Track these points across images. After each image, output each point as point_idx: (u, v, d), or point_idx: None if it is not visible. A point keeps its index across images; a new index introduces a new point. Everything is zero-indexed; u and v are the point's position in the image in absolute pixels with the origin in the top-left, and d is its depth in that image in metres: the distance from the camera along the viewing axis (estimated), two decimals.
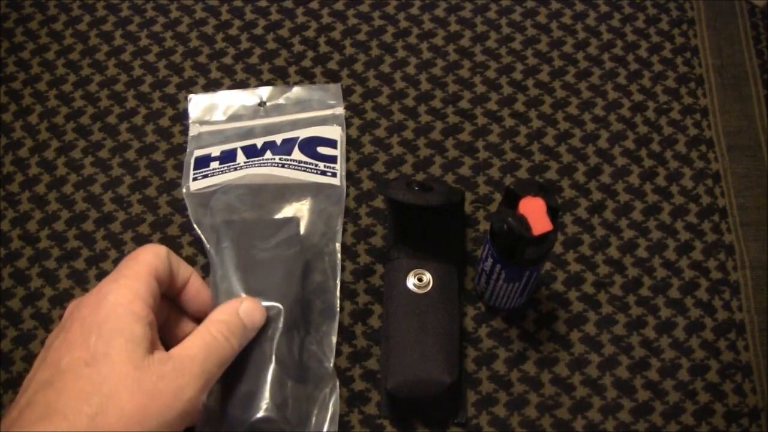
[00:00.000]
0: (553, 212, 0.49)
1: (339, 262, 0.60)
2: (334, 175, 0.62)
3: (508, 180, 0.64)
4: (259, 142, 0.63)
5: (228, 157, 0.62)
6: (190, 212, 0.61)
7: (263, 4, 0.72)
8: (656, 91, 0.68)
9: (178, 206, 0.63)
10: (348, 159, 0.65)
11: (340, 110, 0.66)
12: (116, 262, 0.61)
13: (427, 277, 0.57)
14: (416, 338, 0.54)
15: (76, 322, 0.46)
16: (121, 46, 0.70)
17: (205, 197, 0.61)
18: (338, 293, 0.59)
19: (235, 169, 0.61)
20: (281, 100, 0.66)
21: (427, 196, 0.55)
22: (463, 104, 0.67)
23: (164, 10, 0.72)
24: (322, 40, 0.71)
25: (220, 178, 0.61)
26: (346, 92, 0.68)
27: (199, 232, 0.60)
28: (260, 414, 0.49)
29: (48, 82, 0.69)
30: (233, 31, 0.71)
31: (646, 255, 0.61)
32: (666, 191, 0.64)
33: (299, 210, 0.61)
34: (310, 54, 0.70)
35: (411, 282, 0.56)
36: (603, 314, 0.59)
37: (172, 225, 0.63)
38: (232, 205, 0.60)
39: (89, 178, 0.65)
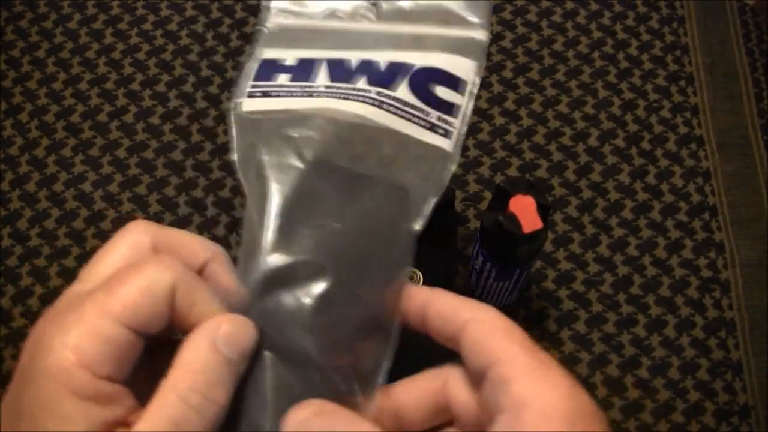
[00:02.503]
0: (544, 210, 0.49)
1: (411, 259, 0.38)
2: (446, 134, 0.41)
3: (499, 178, 0.64)
4: (354, 58, 0.42)
5: (305, 71, 0.42)
6: (235, 144, 0.39)
7: (253, 2, 0.72)
8: (646, 89, 0.68)
9: (169, 204, 0.63)
10: None
11: (482, 35, 0.43)
12: None
13: (418, 275, 0.56)
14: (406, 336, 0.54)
15: (16, 374, 0.32)
16: (111, 44, 0.70)
17: (258, 127, 0.40)
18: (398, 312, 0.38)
19: (310, 94, 0.41)
20: (403, 2, 0.44)
21: None
22: None
23: (154, 9, 0.72)
24: None
25: (286, 101, 0.41)
26: None
27: (244, 181, 0.39)
28: None
29: (38, 81, 0.69)
30: (223, 29, 0.71)
31: (636, 253, 0.62)
32: (656, 189, 0.64)
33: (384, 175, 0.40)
34: None
35: None
36: (593, 312, 0.59)
37: (162, 223, 0.62)
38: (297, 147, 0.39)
39: (79, 176, 0.64)
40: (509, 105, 0.67)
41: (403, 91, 0.41)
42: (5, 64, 0.69)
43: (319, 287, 0.36)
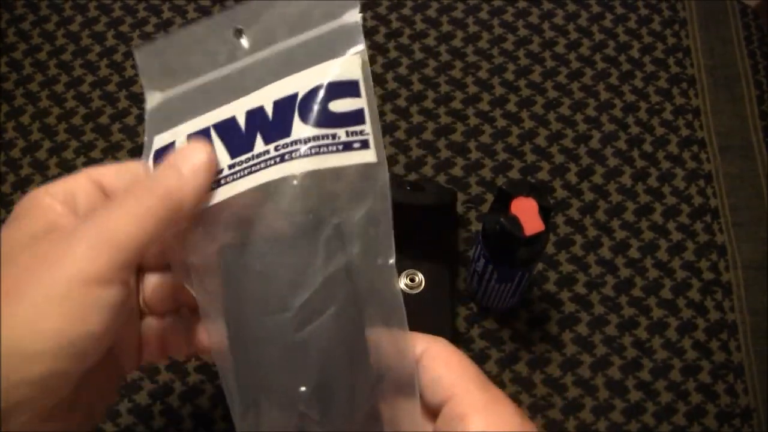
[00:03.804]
0: (545, 213, 0.49)
1: (401, 297, 0.36)
2: (364, 144, 0.37)
3: (500, 180, 0.64)
4: (240, 112, 0.38)
5: None
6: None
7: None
8: (648, 91, 0.68)
9: None
10: None
11: (352, 15, 0.38)
12: None
13: (420, 277, 0.57)
14: None
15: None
16: (113, 47, 0.70)
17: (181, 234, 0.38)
18: (414, 358, 0.36)
19: (218, 183, 0.37)
20: (267, 20, 0.39)
21: (419, 196, 0.55)
22: (455, 105, 0.67)
23: (156, 11, 0.72)
24: None
25: None
26: None
27: (192, 292, 0.38)
28: None
29: (40, 83, 0.69)
30: None
31: (638, 255, 0.61)
32: (658, 192, 0.64)
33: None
34: None
35: (403, 282, 0.56)
36: (595, 315, 0.59)
37: None
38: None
39: None
40: (511, 107, 0.67)
41: (299, 129, 0.37)
42: (7, 67, 0.69)
43: (311, 389, 0.34)
